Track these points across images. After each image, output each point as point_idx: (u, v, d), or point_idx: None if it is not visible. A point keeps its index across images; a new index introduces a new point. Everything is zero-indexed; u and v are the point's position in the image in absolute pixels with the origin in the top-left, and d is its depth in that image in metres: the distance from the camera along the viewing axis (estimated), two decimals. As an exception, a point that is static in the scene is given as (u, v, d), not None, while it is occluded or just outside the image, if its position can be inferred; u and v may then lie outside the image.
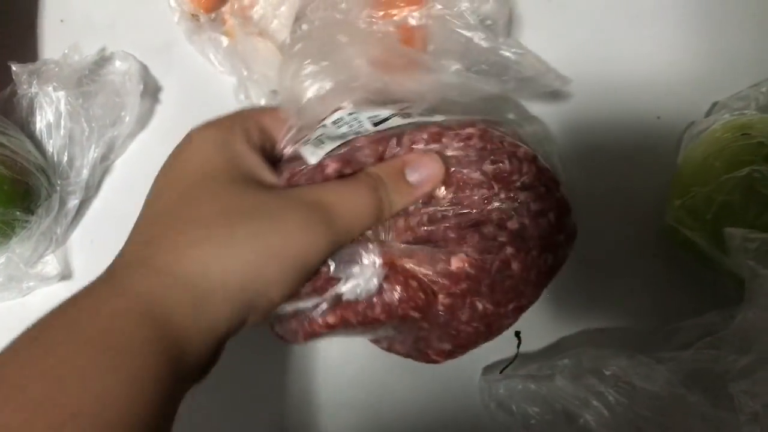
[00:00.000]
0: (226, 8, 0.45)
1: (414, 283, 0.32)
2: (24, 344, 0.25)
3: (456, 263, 0.32)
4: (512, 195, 0.33)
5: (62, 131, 0.45)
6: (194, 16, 0.46)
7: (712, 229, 0.37)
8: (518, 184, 0.33)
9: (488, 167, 0.32)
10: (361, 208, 0.31)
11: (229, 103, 0.47)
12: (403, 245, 0.32)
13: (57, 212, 0.45)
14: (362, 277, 0.32)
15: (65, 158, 0.45)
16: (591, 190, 0.45)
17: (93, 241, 0.47)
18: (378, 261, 0.32)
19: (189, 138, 0.33)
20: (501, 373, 0.41)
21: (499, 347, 0.42)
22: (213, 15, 0.45)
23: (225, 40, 0.45)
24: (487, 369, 0.42)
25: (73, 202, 0.46)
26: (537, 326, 0.42)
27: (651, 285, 0.43)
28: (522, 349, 0.42)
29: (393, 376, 0.43)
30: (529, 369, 0.40)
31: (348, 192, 0.31)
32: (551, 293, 0.43)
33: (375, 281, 0.31)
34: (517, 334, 0.42)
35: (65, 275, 0.47)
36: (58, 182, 0.45)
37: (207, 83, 0.49)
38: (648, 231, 0.44)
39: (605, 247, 0.44)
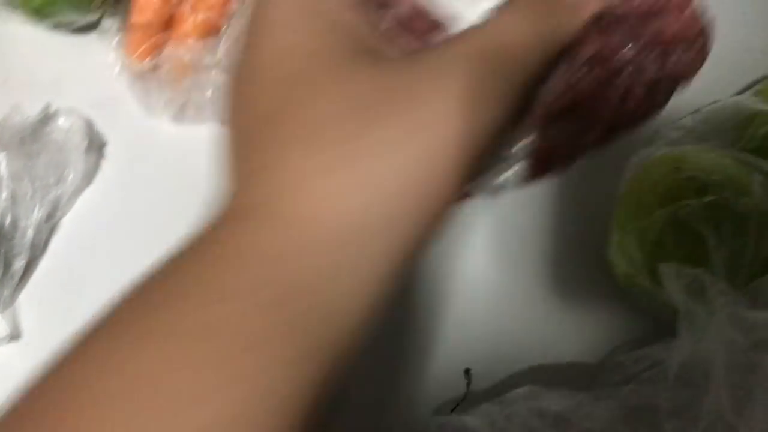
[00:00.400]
0: (163, 56, 0.45)
1: None
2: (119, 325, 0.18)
3: None
4: None
5: (4, 194, 0.44)
6: (134, 68, 0.46)
7: (648, 263, 0.38)
8: None
9: None
10: (531, 39, 0.21)
11: (173, 154, 0.48)
12: None
13: (3, 274, 0.45)
14: None
15: (8, 220, 0.45)
16: (538, 223, 0.46)
17: (42, 300, 0.47)
18: None
19: (263, 14, 0.22)
20: (451, 412, 0.42)
21: (451, 385, 0.42)
22: (152, 63, 0.46)
23: (166, 87, 0.45)
24: (438, 409, 0.43)
25: (19, 263, 0.45)
26: (487, 363, 0.43)
27: (596, 318, 0.44)
28: (472, 387, 0.42)
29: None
30: (478, 408, 0.41)
31: (511, 23, 0.21)
32: (502, 329, 0.44)
33: None
34: (467, 371, 0.42)
35: (14, 336, 0.46)
36: (3, 244, 0.45)
37: (152, 133, 0.49)
38: (593, 265, 0.45)
39: (552, 282, 0.45)
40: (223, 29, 0.47)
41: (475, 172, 0.21)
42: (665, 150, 0.43)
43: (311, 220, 0.19)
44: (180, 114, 0.43)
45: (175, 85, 0.44)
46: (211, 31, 0.46)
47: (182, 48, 0.44)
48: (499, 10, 0.22)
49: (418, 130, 0.19)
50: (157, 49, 0.45)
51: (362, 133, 0.19)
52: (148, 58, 0.45)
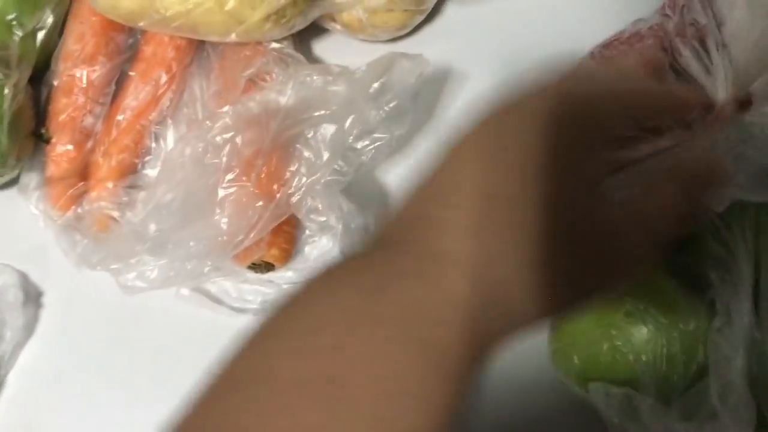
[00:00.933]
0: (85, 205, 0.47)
1: None
2: (333, 331, 0.22)
3: None
4: None
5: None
6: (58, 219, 0.47)
7: (582, 374, 0.39)
8: None
9: None
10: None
11: (110, 296, 0.48)
12: None
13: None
14: None
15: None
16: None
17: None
18: None
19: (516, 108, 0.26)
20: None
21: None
22: (76, 213, 0.47)
23: (90, 236, 0.47)
24: None
25: (-33, 429, 0.46)
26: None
27: (545, 417, 0.45)
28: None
29: None
30: None
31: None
32: None
33: None
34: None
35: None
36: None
37: (84, 278, 0.50)
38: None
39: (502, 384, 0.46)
40: (139, 165, 0.49)
41: None
42: None
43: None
44: (105, 261, 0.44)
45: (99, 234, 0.45)
46: (127, 171, 0.48)
47: (102, 195, 0.45)
48: None
49: None
50: (78, 198, 0.46)
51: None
52: (71, 209, 0.46)
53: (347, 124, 0.41)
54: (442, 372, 0.22)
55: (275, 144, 0.41)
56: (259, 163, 0.41)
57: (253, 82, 0.46)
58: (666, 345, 0.38)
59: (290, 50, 0.47)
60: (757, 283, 0.40)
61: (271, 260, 0.45)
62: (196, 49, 0.50)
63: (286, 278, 0.48)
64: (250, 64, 0.46)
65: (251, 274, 0.46)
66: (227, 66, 0.47)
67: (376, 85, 0.41)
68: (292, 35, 0.50)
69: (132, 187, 0.48)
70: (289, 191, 0.41)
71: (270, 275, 0.47)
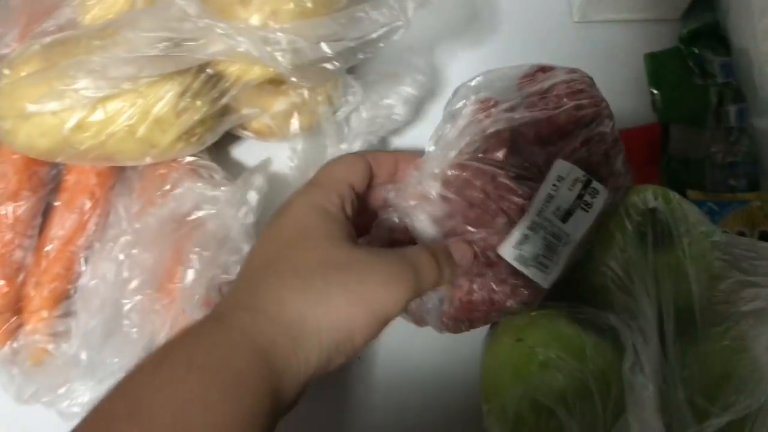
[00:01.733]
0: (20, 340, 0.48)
1: None
2: (149, 370, 0.29)
3: None
4: None
5: None
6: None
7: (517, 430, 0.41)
8: None
9: None
10: (434, 273, 0.37)
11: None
12: None
13: None
14: None
15: None
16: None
17: None
18: None
19: (289, 201, 0.38)
20: None
21: None
22: (11, 348, 0.48)
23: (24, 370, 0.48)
24: None
25: None
26: None
27: None
28: None
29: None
30: None
31: (428, 258, 0.37)
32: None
33: None
34: None
35: None
36: None
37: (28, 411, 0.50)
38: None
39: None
40: (72, 291, 0.50)
41: (377, 330, 0.34)
42: (502, 324, 0.46)
43: (278, 315, 0.32)
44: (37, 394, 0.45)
45: (32, 368, 0.46)
46: (60, 298, 0.49)
47: (38, 327, 0.47)
48: (417, 248, 0.38)
49: (352, 287, 0.33)
50: (13, 333, 0.48)
51: (319, 280, 0.33)
52: (6, 344, 0.47)
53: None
54: (240, 406, 0.28)
55: (170, 247, 0.44)
56: (157, 268, 0.43)
57: (171, 197, 0.49)
58: (581, 387, 0.41)
59: (204, 161, 0.50)
60: (661, 326, 0.43)
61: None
62: (118, 172, 0.52)
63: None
64: (165, 180, 0.48)
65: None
66: (146, 185, 0.50)
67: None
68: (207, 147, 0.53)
69: (66, 315, 0.49)
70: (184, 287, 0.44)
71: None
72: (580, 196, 0.41)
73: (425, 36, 0.60)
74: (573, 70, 0.46)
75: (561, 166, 0.41)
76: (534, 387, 0.41)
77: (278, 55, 0.41)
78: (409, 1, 0.38)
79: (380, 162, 0.41)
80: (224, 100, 0.47)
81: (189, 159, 0.50)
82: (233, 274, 0.47)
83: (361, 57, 0.41)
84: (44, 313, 0.48)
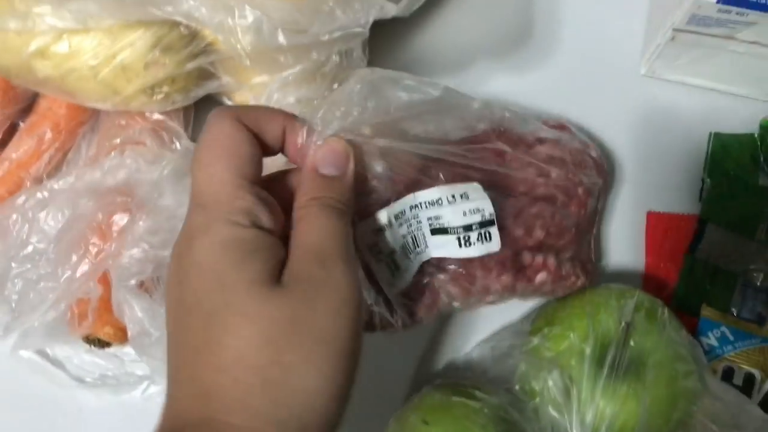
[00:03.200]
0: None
1: None
2: None
3: None
4: None
5: None
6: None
7: None
8: None
9: None
10: (340, 230, 0.30)
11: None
12: None
13: None
14: None
15: None
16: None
17: None
18: None
19: (189, 247, 0.29)
20: None
21: None
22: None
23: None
24: None
25: None
26: None
27: None
28: None
29: None
30: None
31: (315, 232, 0.29)
32: None
33: None
34: None
35: None
36: None
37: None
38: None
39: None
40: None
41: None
42: (415, 401, 0.40)
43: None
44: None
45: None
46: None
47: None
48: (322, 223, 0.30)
49: (312, 358, 0.26)
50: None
51: (275, 369, 0.26)
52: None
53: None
54: None
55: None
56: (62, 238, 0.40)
57: (125, 150, 0.46)
58: None
59: (171, 123, 0.46)
60: None
61: (105, 338, 0.44)
62: (95, 111, 0.49)
63: (131, 355, 0.46)
64: (122, 132, 0.45)
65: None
66: (105, 132, 0.47)
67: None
68: (185, 108, 0.49)
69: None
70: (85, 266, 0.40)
71: (115, 350, 0.46)
72: (467, 227, 0.34)
73: (465, 40, 0.53)
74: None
75: (473, 188, 0.35)
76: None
77: (239, 32, 0.36)
78: (372, 8, 0.32)
79: (265, 127, 0.31)
80: (193, 64, 0.43)
81: (157, 117, 0.47)
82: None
83: (315, 58, 0.35)
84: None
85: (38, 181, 0.48)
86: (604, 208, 0.49)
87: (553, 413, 0.36)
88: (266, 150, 0.31)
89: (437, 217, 0.35)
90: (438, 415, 0.38)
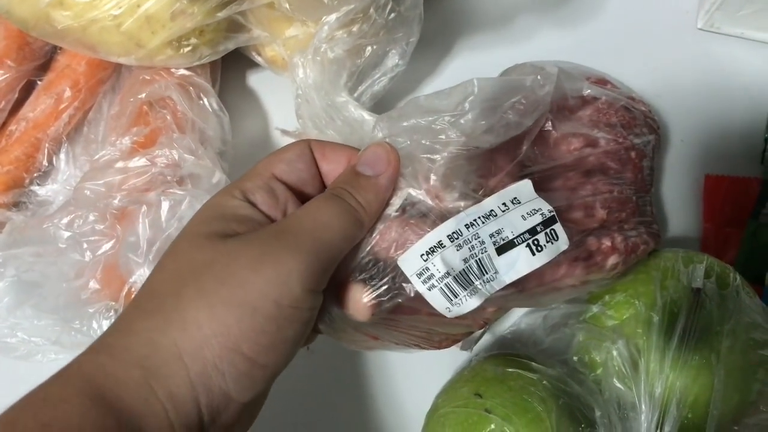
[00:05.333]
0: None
1: None
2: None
3: None
4: None
5: None
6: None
7: None
8: None
9: None
10: (336, 222, 0.29)
11: None
12: None
13: None
14: None
15: None
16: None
17: None
18: None
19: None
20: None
21: None
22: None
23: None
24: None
25: None
26: None
27: None
28: None
29: None
30: None
31: (313, 211, 0.29)
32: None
33: None
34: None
35: None
36: None
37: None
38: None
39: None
40: (27, 180, 0.46)
41: (273, 330, 0.26)
42: (465, 373, 0.38)
43: (125, 348, 0.26)
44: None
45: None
46: (13, 185, 0.45)
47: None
48: (306, 205, 0.30)
49: (212, 291, 0.26)
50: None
51: (171, 296, 0.26)
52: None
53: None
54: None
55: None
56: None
57: (151, 106, 0.43)
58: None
59: (198, 79, 0.43)
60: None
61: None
62: (114, 66, 0.47)
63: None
64: (146, 88, 0.42)
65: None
66: (128, 88, 0.44)
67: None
68: (212, 64, 0.46)
69: (15, 204, 0.45)
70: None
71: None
72: (532, 231, 0.31)
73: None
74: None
75: (523, 188, 0.32)
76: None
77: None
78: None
79: (327, 153, 0.32)
80: (224, 13, 0.40)
81: (183, 72, 0.44)
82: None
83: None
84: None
85: (57, 141, 0.46)
86: (657, 168, 0.46)
87: (619, 386, 0.34)
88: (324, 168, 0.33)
89: (498, 232, 0.31)
90: (492, 388, 0.35)
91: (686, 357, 0.33)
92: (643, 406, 0.33)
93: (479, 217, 0.31)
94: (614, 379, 0.34)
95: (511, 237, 0.31)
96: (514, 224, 0.31)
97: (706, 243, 0.44)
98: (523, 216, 0.31)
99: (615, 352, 0.34)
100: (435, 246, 0.30)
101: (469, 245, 0.30)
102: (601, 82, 0.42)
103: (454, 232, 0.30)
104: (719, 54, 0.48)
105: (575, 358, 0.37)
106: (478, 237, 0.30)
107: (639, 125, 0.41)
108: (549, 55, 0.49)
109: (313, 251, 0.28)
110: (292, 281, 0.27)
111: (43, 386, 0.25)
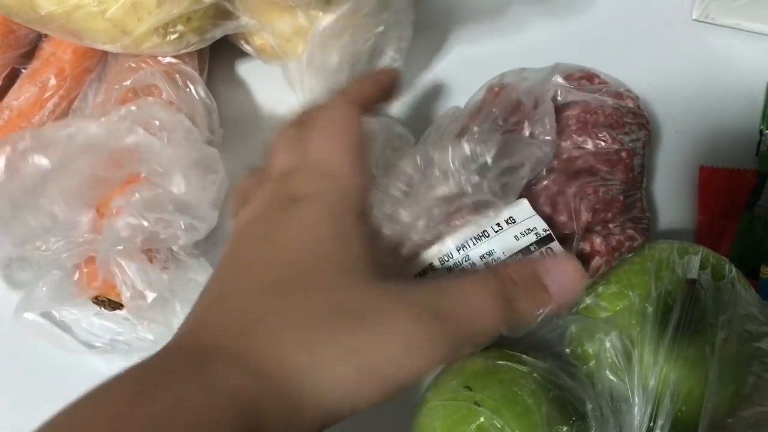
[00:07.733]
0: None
1: None
2: None
3: None
4: None
5: None
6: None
7: None
8: None
9: None
10: (485, 318, 0.26)
11: None
12: None
13: None
14: None
15: None
16: None
17: None
18: None
19: (299, 201, 0.28)
20: None
21: None
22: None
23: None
24: None
25: None
26: None
27: None
28: None
29: None
30: None
31: (473, 297, 0.26)
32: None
33: None
34: None
35: None
36: None
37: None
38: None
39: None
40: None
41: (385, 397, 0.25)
42: (454, 366, 0.37)
43: (274, 377, 0.24)
44: None
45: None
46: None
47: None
48: (466, 281, 0.27)
49: (364, 352, 0.24)
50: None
51: (330, 335, 0.25)
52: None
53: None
54: None
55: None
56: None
57: (136, 94, 0.42)
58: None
59: (185, 67, 0.43)
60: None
61: (116, 299, 0.40)
62: (101, 54, 0.46)
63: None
64: (131, 75, 0.41)
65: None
66: (113, 76, 0.43)
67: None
68: (200, 52, 0.45)
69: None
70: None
71: (126, 313, 0.43)
72: (525, 251, 0.31)
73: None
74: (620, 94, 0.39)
75: (520, 209, 0.32)
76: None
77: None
78: None
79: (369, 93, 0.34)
80: (211, -1, 0.39)
81: (170, 60, 0.43)
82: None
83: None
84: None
85: (42, 131, 0.45)
86: (650, 160, 0.45)
87: (612, 378, 0.33)
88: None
89: (489, 253, 0.31)
90: (482, 381, 0.35)
91: (680, 349, 0.33)
92: (637, 399, 0.33)
93: (472, 238, 0.32)
94: (607, 371, 0.33)
95: (503, 258, 0.32)
96: (506, 244, 0.32)
97: (701, 235, 0.44)
98: (515, 236, 0.31)
99: (608, 344, 0.33)
100: (427, 269, 0.31)
101: (460, 268, 0.32)
102: (587, 77, 0.41)
103: (445, 255, 0.31)
104: (714, 45, 0.47)
105: (568, 350, 0.36)
106: (469, 259, 0.31)
107: (628, 123, 0.40)
108: (543, 46, 0.49)
109: (456, 349, 0.26)
110: (426, 370, 0.26)
111: (166, 388, 0.23)
